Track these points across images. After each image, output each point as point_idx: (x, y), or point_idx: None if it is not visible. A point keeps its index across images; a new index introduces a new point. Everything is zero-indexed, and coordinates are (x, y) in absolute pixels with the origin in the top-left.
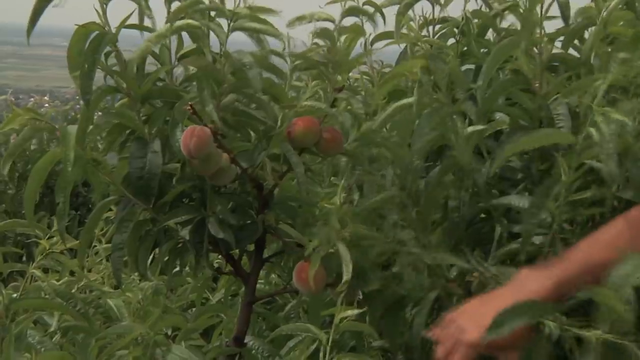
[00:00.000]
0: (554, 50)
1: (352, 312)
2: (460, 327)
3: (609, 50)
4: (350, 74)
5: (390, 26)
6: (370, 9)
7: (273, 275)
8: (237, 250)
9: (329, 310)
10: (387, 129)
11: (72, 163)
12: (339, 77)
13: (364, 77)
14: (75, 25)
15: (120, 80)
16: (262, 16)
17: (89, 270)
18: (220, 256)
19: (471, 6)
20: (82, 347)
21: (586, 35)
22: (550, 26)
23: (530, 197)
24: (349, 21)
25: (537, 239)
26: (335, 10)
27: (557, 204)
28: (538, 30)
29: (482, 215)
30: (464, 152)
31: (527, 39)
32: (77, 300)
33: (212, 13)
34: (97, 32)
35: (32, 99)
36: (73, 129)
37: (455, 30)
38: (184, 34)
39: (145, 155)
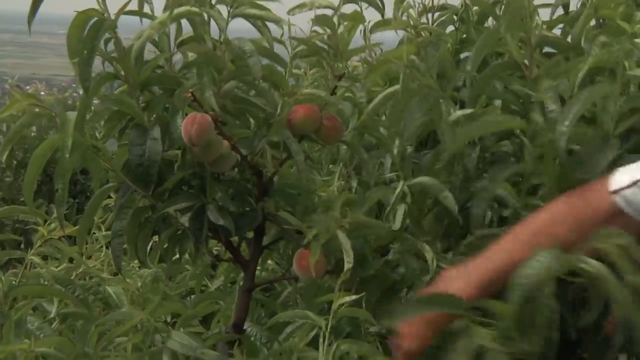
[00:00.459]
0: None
1: (350, 297)
2: (400, 334)
3: (595, 33)
4: (349, 62)
5: (391, 13)
6: None
7: (270, 262)
8: (236, 238)
9: (326, 296)
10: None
11: (69, 150)
12: (339, 65)
13: (364, 65)
14: (75, 11)
15: (119, 67)
16: (262, 3)
17: (88, 258)
18: (219, 243)
19: None
20: (81, 334)
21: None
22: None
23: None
24: (348, 8)
25: None
26: None
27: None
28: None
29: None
30: (451, 137)
31: (516, 23)
32: (76, 286)
33: (212, 0)
34: (96, 18)
35: (28, 87)
36: (72, 115)
37: (455, 17)
38: (183, 21)
39: (144, 143)
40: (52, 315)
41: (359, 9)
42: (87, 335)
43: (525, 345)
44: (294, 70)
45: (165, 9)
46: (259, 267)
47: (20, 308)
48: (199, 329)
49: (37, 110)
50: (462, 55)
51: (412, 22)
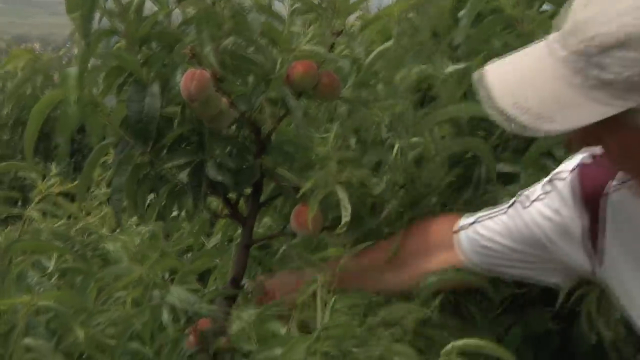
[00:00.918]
0: None
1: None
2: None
3: None
4: (348, 19)
5: None
6: None
7: (266, 219)
8: (234, 194)
9: (322, 252)
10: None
11: (73, 104)
12: (337, 22)
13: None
14: None
15: (118, 22)
16: None
17: (87, 214)
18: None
19: None
20: (80, 289)
21: None
22: None
23: None
24: None
25: None
26: None
27: None
28: None
29: (469, 156)
30: (444, 89)
31: None
32: (75, 242)
33: None
34: None
35: (23, 46)
36: (73, 71)
37: None
38: None
39: (143, 99)
40: (50, 270)
41: None
42: (86, 290)
43: None
44: (292, 28)
45: None
46: (256, 225)
47: (19, 263)
48: (196, 286)
49: (36, 65)
50: (461, 14)
51: None
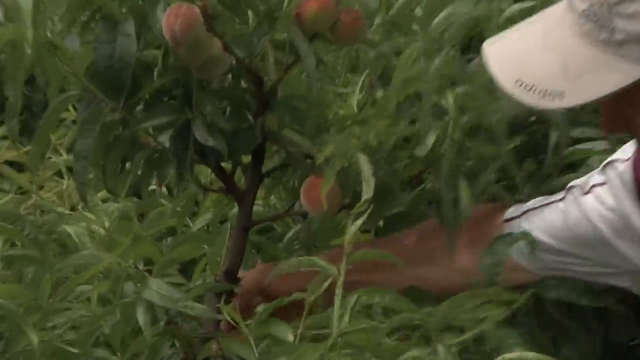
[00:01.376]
0: None
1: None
2: None
3: None
4: None
5: None
6: None
7: (273, 197)
8: (229, 163)
9: (341, 238)
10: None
11: (30, 44)
12: None
13: None
14: None
15: None
16: None
17: (41, 188)
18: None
19: None
20: (33, 282)
21: None
22: None
23: None
24: None
25: None
26: None
27: None
28: None
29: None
30: None
31: None
32: (25, 223)
33: None
34: None
35: None
36: (27, 3)
37: None
38: None
39: (114, 40)
40: None
41: None
42: (40, 283)
43: None
44: None
45: None
46: (260, 202)
47: None
48: (178, 279)
49: None
50: None
51: None
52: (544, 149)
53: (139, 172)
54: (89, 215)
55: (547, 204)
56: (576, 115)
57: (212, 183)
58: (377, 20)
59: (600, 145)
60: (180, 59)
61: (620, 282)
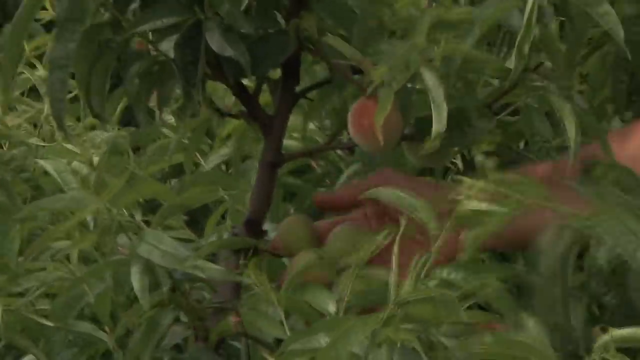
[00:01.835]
0: None
1: None
2: None
3: None
4: None
5: None
6: None
7: (312, 126)
8: (253, 79)
9: None
10: None
11: None
12: None
13: None
14: None
15: None
16: None
17: (8, 111)
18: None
19: None
20: None
21: None
22: None
23: None
24: None
25: None
26: None
27: None
28: None
29: None
30: None
31: None
32: None
33: None
34: None
35: None
36: None
37: None
38: None
39: None
40: None
41: None
42: (6, 237)
43: None
44: None
45: None
46: (294, 134)
47: None
48: (185, 234)
49: None
50: None
51: None
52: None
53: (135, 91)
54: (71, 147)
55: None
56: None
57: (231, 106)
58: None
59: None
60: None
61: None
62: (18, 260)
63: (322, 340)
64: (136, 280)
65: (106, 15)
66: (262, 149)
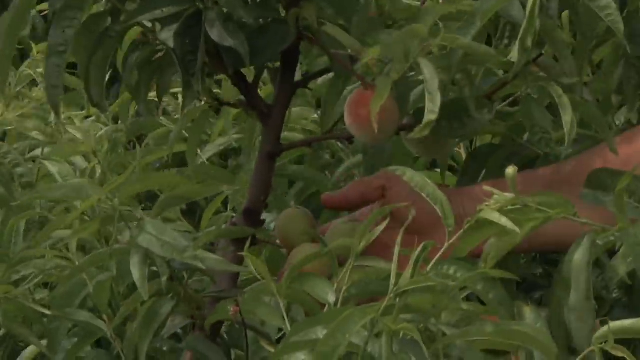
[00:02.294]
0: None
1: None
2: None
3: None
4: None
5: None
6: None
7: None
8: (252, 69)
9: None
10: None
11: None
12: None
13: None
14: None
15: None
16: None
17: (8, 104)
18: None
19: None
20: None
21: None
22: None
23: None
24: None
25: None
26: None
27: None
28: None
29: None
30: None
31: None
32: None
33: None
34: None
35: None
36: None
37: None
38: None
39: None
40: None
41: None
42: (4, 227)
43: None
44: None
45: None
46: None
47: None
48: (184, 225)
49: None
50: None
51: None
52: None
53: (135, 80)
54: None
55: None
56: None
57: (230, 95)
58: None
59: None
60: None
61: None
62: (16, 248)
63: (320, 333)
64: (136, 270)
65: (105, 4)
66: (262, 138)
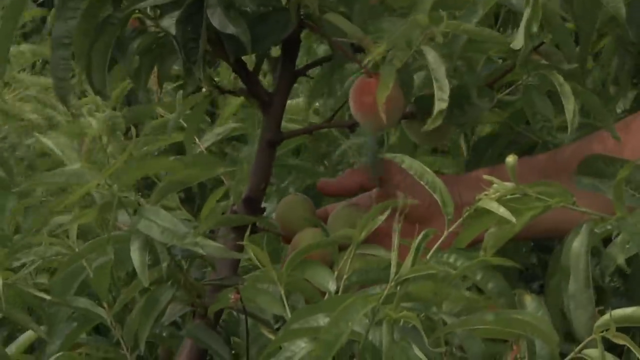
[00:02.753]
0: None
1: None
2: None
3: None
4: None
5: None
6: None
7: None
8: (253, 56)
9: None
10: None
11: None
12: None
13: None
14: None
15: None
16: None
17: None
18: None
19: None
20: None
21: None
22: None
23: None
24: None
25: None
26: None
27: None
28: None
29: None
30: None
31: None
32: None
33: None
34: None
35: None
36: None
37: None
38: None
39: None
40: None
41: None
42: (4, 212)
43: None
44: None
45: None
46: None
47: None
48: (181, 215)
49: None
50: None
51: None
52: None
53: (136, 67)
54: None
55: None
56: None
57: (232, 83)
58: None
59: None
60: None
61: None
62: (16, 234)
63: (322, 320)
64: (136, 256)
65: None
66: (262, 126)
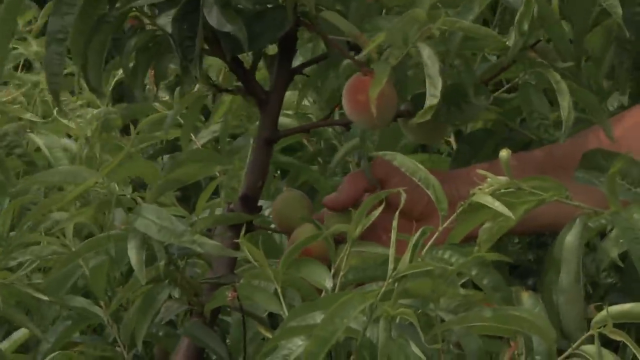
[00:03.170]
0: None
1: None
2: None
3: None
4: None
5: None
6: None
7: (307, 101)
8: (250, 55)
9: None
10: None
11: None
12: None
13: None
14: None
15: None
16: None
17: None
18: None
19: None
20: None
21: None
22: None
23: None
24: None
25: None
26: None
27: None
28: None
29: None
30: None
31: None
32: None
33: None
34: None
35: None
36: None
37: None
38: None
39: None
40: None
41: None
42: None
43: None
44: None
45: None
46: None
47: None
48: (177, 210)
49: None
50: None
51: None
52: None
53: (131, 65)
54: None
55: None
56: None
57: (227, 81)
58: None
59: None
60: None
61: None
62: (12, 233)
63: (319, 318)
64: (133, 254)
65: None
66: (259, 125)
